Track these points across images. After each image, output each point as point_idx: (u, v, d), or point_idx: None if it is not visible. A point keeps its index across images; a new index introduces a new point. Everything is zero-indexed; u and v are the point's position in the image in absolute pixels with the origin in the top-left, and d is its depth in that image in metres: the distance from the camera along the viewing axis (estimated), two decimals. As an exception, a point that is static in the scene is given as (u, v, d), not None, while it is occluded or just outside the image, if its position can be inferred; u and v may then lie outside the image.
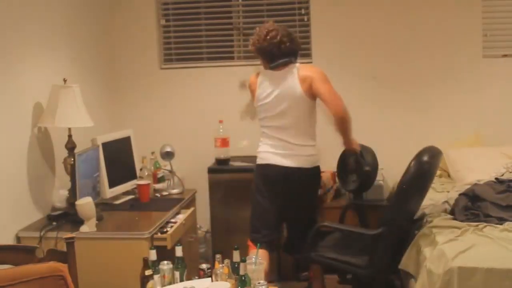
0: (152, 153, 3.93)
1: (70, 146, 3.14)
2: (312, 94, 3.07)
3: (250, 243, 3.14)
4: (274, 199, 3.14)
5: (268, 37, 3.07)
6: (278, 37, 3.06)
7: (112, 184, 3.38)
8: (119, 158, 3.56)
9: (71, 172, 3.07)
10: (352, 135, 3.17)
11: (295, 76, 3.08)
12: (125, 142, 3.68)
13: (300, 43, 3.30)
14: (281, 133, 3.11)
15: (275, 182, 3.12)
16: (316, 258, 3.14)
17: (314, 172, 3.22)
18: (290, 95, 3.07)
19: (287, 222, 3.32)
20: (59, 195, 3.18)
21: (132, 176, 3.65)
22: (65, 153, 3.17)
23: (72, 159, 3.08)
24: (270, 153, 3.12)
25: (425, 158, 2.87)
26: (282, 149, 3.10)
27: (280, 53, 3.08)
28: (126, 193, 3.57)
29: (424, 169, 2.87)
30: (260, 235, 3.13)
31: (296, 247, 3.28)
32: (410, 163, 2.87)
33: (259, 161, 3.19)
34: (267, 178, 3.14)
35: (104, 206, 3.24)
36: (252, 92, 3.23)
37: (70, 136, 3.15)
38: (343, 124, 3.06)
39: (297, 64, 3.15)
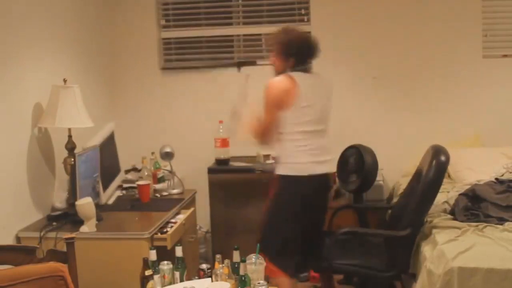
0: (152, 153, 3.93)
1: (70, 147, 3.14)
2: None
3: (275, 268, 2.90)
4: (305, 216, 2.96)
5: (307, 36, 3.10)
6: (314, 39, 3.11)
7: (104, 187, 3.38)
8: (106, 158, 3.57)
9: (71, 172, 3.07)
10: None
11: (329, 82, 3.15)
12: (110, 138, 3.66)
13: None
14: (320, 138, 2.99)
15: (317, 193, 2.99)
16: (337, 266, 3.04)
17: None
18: (329, 99, 3.08)
19: (307, 235, 3.07)
20: (59, 196, 3.18)
21: (117, 171, 3.68)
22: (65, 153, 3.17)
23: (72, 160, 3.08)
24: (313, 162, 2.94)
25: (443, 158, 2.87)
26: (321, 156, 2.98)
27: (313, 54, 3.08)
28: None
29: (444, 168, 2.89)
30: (293, 262, 2.97)
31: (310, 258, 3.14)
32: (431, 163, 2.85)
33: (297, 172, 2.92)
34: (310, 191, 2.95)
35: (104, 207, 3.24)
36: (292, 95, 2.89)
37: (70, 136, 3.15)
38: None
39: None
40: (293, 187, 2.93)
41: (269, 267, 2.76)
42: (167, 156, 3.80)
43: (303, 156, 2.92)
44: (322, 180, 2.99)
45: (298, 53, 2.99)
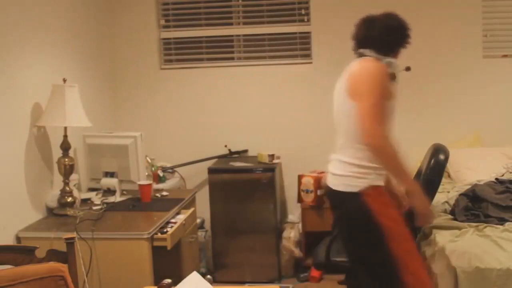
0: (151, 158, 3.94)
1: (65, 147, 3.14)
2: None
3: None
4: None
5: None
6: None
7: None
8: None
9: (64, 172, 3.10)
10: (410, 181, 2.31)
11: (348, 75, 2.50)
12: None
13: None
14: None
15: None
16: (336, 263, 3.03)
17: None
18: (341, 98, 2.46)
19: None
20: (51, 195, 3.18)
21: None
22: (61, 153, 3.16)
23: (66, 160, 3.10)
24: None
25: (442, 156, 2.87)
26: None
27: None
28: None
29: (442, 167, 2.87)
30: None
31: None
32: (430, 162, 2.85)
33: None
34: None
35: (105, 206, 3.25)
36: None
37: (65, 136, 3.14)
38: (378, 157, 2.25)
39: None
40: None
41: None
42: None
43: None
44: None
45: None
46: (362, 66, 2.43)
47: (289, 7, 4.35)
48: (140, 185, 3.36)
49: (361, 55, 2.52)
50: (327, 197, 2.54)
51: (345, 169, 2.32)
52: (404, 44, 2.55)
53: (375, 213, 2.24)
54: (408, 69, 2.76)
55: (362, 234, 2.30)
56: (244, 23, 4.42)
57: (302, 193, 4.02)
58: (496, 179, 3.38)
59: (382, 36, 2.50)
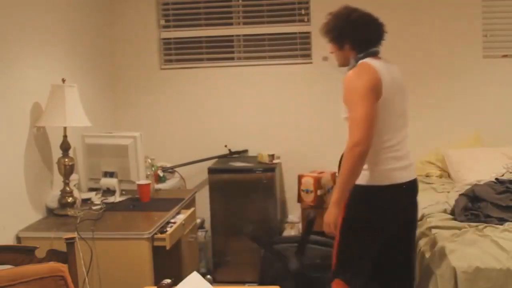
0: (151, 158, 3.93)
1: (65, 147, 3.14)
2: None
3: None
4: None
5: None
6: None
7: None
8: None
9: (64, 172, 3.11)
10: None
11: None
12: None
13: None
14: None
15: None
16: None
17: None
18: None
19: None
20: (52, 195, 3.18)
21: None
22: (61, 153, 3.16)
23: (66, 160, 3.10)
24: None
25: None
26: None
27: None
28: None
29: None
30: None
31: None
32: None
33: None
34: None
35: (105, 206, 3.25)
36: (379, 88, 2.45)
37: (65, 136, 3.13)
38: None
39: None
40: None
41: None
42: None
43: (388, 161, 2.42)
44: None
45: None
46: None
47: (289, 7, 4.35)
48: (138, 185, 3.36)
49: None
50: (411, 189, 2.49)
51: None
52: None
53: None
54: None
55: None
56: (244, 23, 4.42)
57: (302, 193, 4.01)
58: (496, 179, 3.38)
59: None
